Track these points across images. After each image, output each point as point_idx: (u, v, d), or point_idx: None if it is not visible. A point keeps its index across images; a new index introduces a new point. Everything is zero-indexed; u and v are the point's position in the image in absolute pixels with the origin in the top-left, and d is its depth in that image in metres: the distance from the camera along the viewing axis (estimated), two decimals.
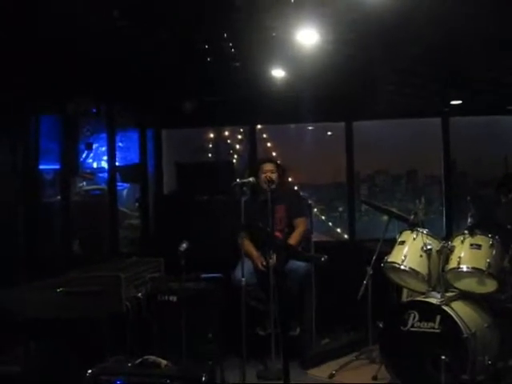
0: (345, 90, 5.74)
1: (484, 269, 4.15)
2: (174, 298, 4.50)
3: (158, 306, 4.52)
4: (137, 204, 6.58)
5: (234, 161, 6.89)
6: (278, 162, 5.57)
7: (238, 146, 6.96)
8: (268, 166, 5.30)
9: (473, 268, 4.21)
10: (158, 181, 6.66)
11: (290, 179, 6.85)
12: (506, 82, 5.60)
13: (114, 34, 4.21)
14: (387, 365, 4.26)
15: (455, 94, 6.09)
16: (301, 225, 5.31)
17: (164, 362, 3.43)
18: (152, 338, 4.42)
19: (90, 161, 5.84)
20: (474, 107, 6.41)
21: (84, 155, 5.67)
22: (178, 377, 3.28)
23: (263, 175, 5.18)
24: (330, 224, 7.07)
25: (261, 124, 6.86)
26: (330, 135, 7.11)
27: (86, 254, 5.42)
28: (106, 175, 5.91)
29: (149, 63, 4.94)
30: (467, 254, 4.27)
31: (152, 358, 3.46)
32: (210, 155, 6.93)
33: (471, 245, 4.29)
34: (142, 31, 4.24)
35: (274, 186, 5.07)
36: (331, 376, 4.60)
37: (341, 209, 7.17)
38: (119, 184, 6.17)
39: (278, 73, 5.26)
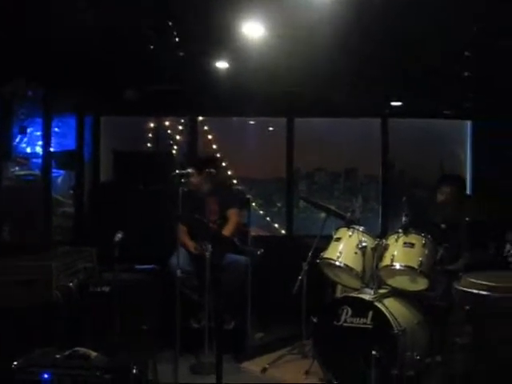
0: (288, 86, 5.75)
1: (416, 267, 4.25)
2: (106, 289, 4.41)
3: (90, 296, 4.42)
4: (71, 192, 6.40)
5: (174, 152, 6.80)
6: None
7: (178, 137, 6.87)
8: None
9: (405, 266, 4.30)
10: (94, 169, 6.51)
11: (229, 172, 6.87)
12: (444, 87, 5.75)
13: (53, 17, 4.07)
14: (319, 359, 4.30)
15: (396, 95, 6.21)
16: (233, 216, 5.38)
17: (94, 353, 3.36)
18: (83, 329, 4.32)
19: (24, 145, 5.62)
20: (413, 110, 6.56)
21: (18, 139, 5.46)
22: (109, 369, 3.22)
23: None
24: (268, 219, 7.09)
25: (202, 116, 6.80)
26: (272, 130, 7.12)
27: (17, 241, 5.24)
28: (40, 161, 5.71)
29: (90, 48, 4.80)
30: (400, 252, 4.36)
31: (82, 349, 3.38)
32: (149, 145, 6.81)
33: (405, 243, 4.39)
34: (85, 15, 4.11)
35: (193, 188, 5.27)
36: (264, 370, 4.62)
37: (279, 204, 7.19)
38: (54, 170, 5.99)
39: (222, 64, 5.22)
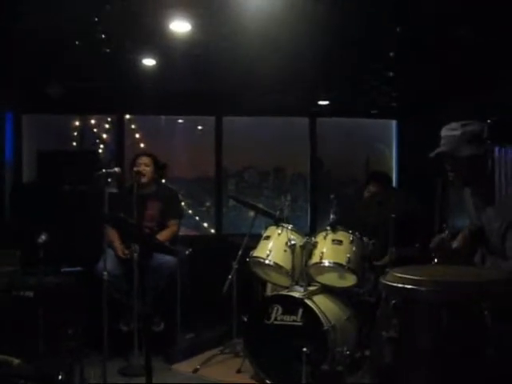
0: (216, 84, 5.73)
1: (344, 263, 4.32)
2: (30, 294, 4.25)
3: (13, 301, 4.25)
4: None
5: (100, 151, 6.65)
6: (155, 156, 5.44)
7: (104, 136, 6.73)
8: (142, 159, 5.24)
9: (334, 263, 4.37)
10: (16, 168, 6.29)
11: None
12: (371, 86, 5.87)
13: None
14: (251, 358, 4.30)
15: (323, 94, 6.29)
16: (173, 227, 5.26)
17: (16, 360, 3.22)
18: (5, 335, 4.14)
19: None
20: (340, 109, 6.67)
21: None
22: (32, 376, 3.09)
23: (134, 168, 5.13)
24: (197, 218, 7.04)
25: (130, 114, 6.69)
26: (201, 129, 7.08)
27: None
28: None
29: (11, 42, 4.62)
30: (329, 249, 4.42)
31: (3, 357, 3.24)
32: (74, 144, 6.63)
33: (333, 240, 4.45)
34: (5, 9, 3.95)
35: (144, 180, 5.13)
36: (195, 370, 4.57)
37: (208, 203, 7.16)
38: None
39: (149, 62, 5.14)
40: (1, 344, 3.93)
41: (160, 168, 5.37)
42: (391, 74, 5.44)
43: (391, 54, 4.87)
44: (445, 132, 2.95)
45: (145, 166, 5.20)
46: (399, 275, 2.41)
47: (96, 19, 4.27)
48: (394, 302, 2.37)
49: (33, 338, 4.00)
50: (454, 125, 2.92)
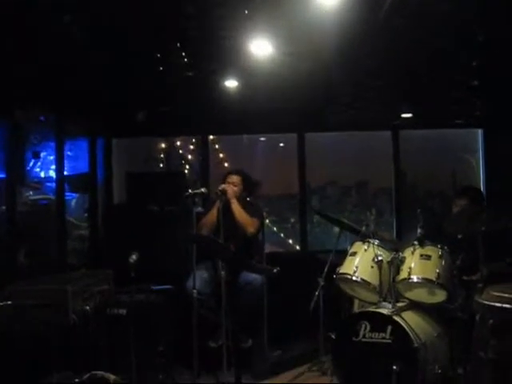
0: (297, 101, 5.77)
1: (434, 279, 4.21)
2: (123, 312, 4.40)
3: (107, 319, 4.40)
4: (86, 214, 6.42)
5: (186, 171, 6.83)
6: (246, 174, 5.43)
7: (189, 157, 6.91)
8: (231, 178, 5.26)
9: (423, 278, 4.27)
10: (107, 191, 6.54)
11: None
12: (454, 96, 5.74)
13: (63, 41, 4.11)
14: (339, 376, 4.26)
15: (405, 107, 6.21)
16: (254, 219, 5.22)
17: (113, 377, 3.36)
18: (100, 352, 4.30)
19: (38, 170, 5.66)
20: (423, 121, 6.55)
21: (31, 164, 5.50)
22: None
23: (222, 185, 5.14)
24: (282, 235, 7.07)
25: (213, 134, 6.83)
26: (283, 146, 7.14)
27: (32, 265, 5.25)
28: (53, 185, 5.73)
29: (99, 71, 4.85)
30: (417, 264, 4.32)
31: (100, 373, 3.38)
32: (161, 165, 6.85)
33: (421, 255, 4.36)
34: (93, 39, 4.16)
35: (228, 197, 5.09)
36: None
37: (293, 220, 7.17)
38: (68, 194, 6.01)
39: (230, 83, 5.25)
40: (97, 360, 4.09)
41: (250, 186, 5.38)
42: (475, 82, 5.30)
43: (474, 63, 4.75)
44: None
45: (233, 185, 5.19)
46: (497, 294, 2.32)
47: (178, 45, 4.43)
48: (491, 321, 2.28)
49: (125, 354, 4.10)
50: None
